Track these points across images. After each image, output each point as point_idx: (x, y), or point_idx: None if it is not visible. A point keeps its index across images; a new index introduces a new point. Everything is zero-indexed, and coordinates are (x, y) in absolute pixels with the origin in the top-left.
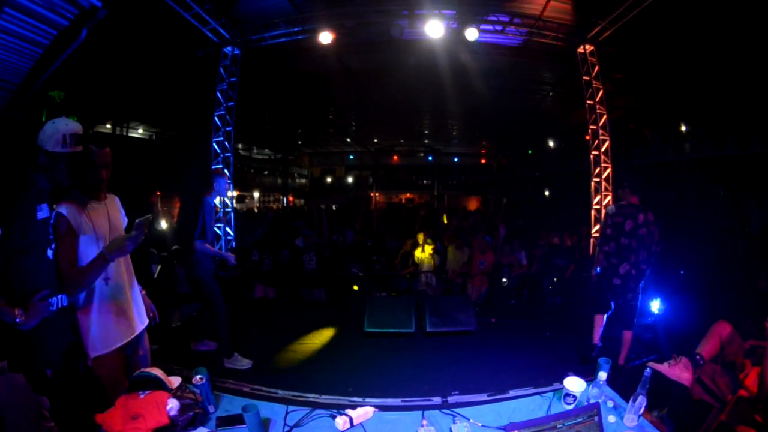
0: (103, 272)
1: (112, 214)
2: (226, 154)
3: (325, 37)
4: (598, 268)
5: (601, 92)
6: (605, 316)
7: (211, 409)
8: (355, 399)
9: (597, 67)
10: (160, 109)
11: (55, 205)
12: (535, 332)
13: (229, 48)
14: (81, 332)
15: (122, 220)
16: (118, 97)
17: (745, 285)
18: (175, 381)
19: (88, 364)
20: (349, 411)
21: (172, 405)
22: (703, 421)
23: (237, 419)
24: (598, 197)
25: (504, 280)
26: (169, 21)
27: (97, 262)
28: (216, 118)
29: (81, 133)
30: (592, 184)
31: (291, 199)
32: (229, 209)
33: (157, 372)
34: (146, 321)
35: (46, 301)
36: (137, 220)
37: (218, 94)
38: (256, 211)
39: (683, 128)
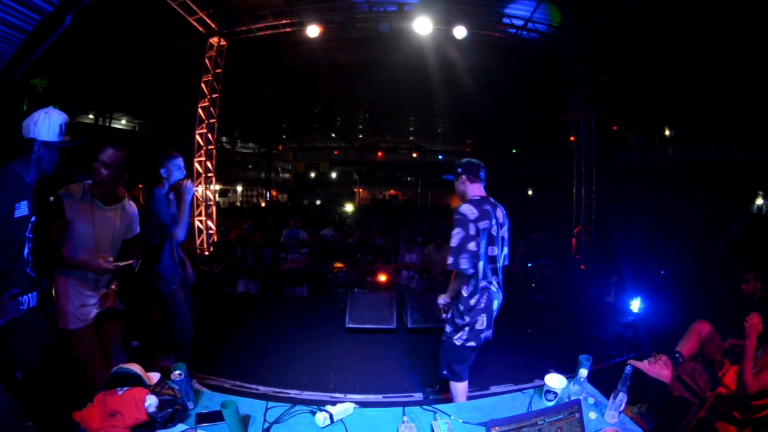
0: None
1: (112, 219)
2: (209, 147)
3: (313, 31)
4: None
5: (586, 94)
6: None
7: (190, 405)
8: (337, 395)
9: (583, 69)
10: (143, 100)
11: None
12: (517, 329)
13: (215, 39)
14: (59, 307)
15: (130, 227)
16: (101, 86)
17: (725, 286)
18: (154, 377)
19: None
20: (329, 407)
21: (151, 401)
22: (683, 417)
23: (216, 416)
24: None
25: None
26: (155, 9)
27: (78, 264)
28: (200, 110)
29: (68, 121)
30: (575, 184)
31: (274, 193)
32: (211, 203)
33: (136, 368)
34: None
35: (15, 300)
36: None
37: (202, 85)
38: (238, 205)
39: (667, 132)
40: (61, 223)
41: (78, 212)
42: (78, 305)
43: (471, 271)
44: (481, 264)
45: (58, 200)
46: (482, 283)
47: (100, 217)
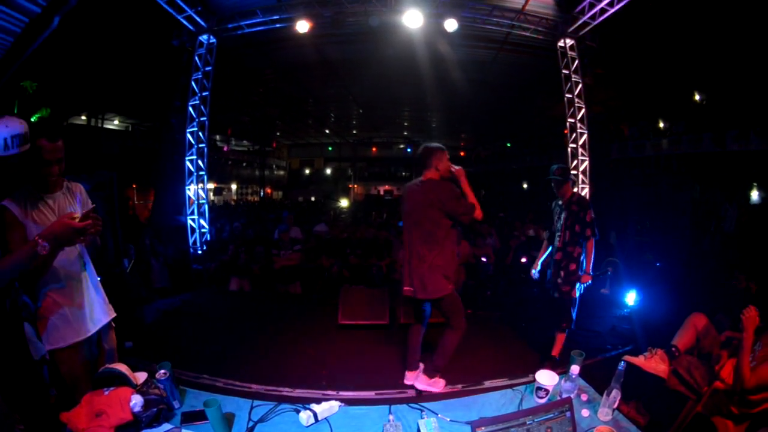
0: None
1: (61, 206)
2: (200, 145)
3: (302, 26)
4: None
5: (580, 86)
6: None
7: (176, 404)
8: (329, 392)
9: (577, 62)
10: (136, 100)
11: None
12: (511, 323)
13: (205, 36)
14: (38, 325)
15: (87, 207)
16: (92, 87)
17: (720, 278)
18: (141, 377)
19: (46, 357)
20: (313, 405)
21: (136, 401)
22: (679, 412)
23: (202, 415)
24: (575, 190)
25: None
26: (145, 8)
27: (26, 249)
28: (190, 108)
29: (25, 133)
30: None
31: (269, 191)
32: (204, 201)
33: (122, 368)
34: (109, 315)
35: None
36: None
37: (193, 83)
38: (233, 203)
39: (661, 125)
40: (17, 230)
41: (30, 211)
42: (59, 319)
43: (547, 233)
44: (553, 236)
45: (3, 208)
46: (551, 249)
47: (55, 205)
